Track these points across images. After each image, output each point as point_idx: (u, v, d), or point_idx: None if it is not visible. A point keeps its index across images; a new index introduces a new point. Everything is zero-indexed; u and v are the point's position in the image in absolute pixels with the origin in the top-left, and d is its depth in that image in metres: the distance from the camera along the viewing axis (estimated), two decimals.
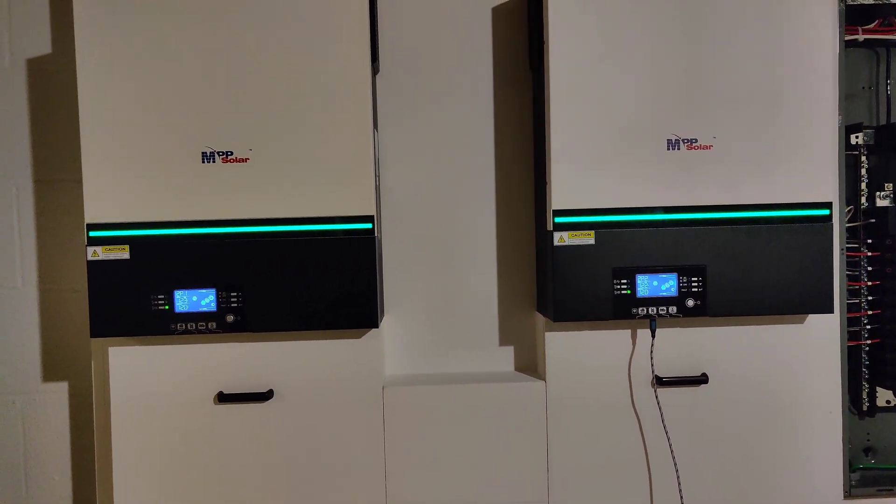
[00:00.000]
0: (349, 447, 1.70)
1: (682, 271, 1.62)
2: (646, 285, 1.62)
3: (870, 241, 1.94)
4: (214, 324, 1.60)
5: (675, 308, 1.63)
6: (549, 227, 1.63)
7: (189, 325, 1.60)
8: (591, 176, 1.62)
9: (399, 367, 1.87)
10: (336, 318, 1.62)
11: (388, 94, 1.83)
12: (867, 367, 1.97)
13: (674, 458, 1.68)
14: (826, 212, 1.63)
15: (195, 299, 1.59)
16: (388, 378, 1.82)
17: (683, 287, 1.62)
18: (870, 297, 1.95)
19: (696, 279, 1.62)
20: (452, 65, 1.84)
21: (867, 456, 2.02)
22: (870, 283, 1.94)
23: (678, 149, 1.62)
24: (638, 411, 1.72)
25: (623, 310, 1.63)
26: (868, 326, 1.96)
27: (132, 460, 1.68)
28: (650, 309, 1.63)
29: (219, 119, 1.59)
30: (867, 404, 1.98)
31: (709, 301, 1.63)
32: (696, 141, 1.62)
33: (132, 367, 1.66)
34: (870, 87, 1.99)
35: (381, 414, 1.71)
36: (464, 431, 1.73)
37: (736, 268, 1.62)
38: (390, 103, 1.83)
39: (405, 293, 1.86)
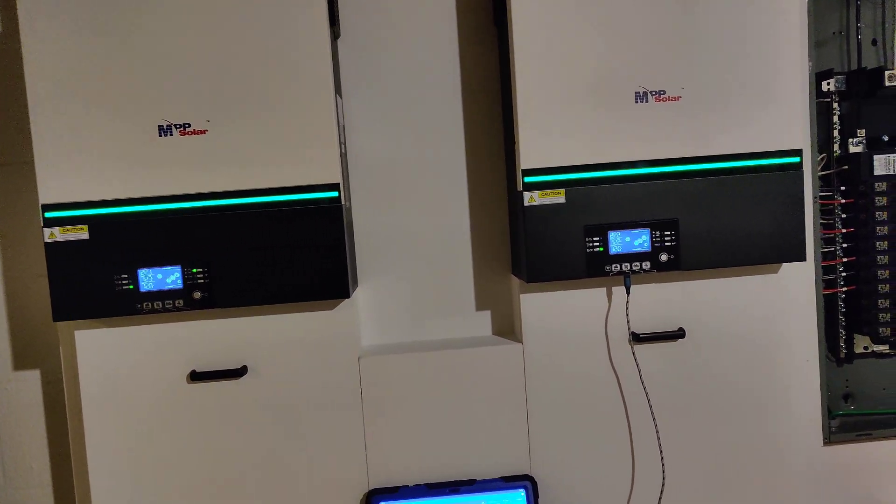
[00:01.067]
0: (328, 420, 1.68)
1: (655, 226, 1.60)
2: (618, 242, 1.60)
3: (843, 188, 1.93)
4: (182, 301, 1.56)
5: (648, 263, 1.61)
6: (520, 186, 1.60)
7: (155, 304, 1.56)
8: (559, 133, 1.59)
9: (376, 337, 1.84)
10: (306, 290, 1.58)
11: (351, 60, 1.78)
12: (843, 314, 1.98)
13: (653, 414, 1.68)
14: (796, 159, 1.61)
15: (160, 277, 1.56)
16: (364, 348, 1.80)
17: (656, 242, 1.60)
18: (845, 245, 1.95)
19: (668, 233, 1.60)
20: (415, 25, 1.79)
21: (846, 402, 2.04)
22: (844, 231, 1.94)
23: (646, 101, 1.59)
24: (616, 369, 1.71)
25: (596, 267, 1.61)
26: (844, 274, 1.96)
27: (106, 444, 1.65)
28: (624, 265, 1.61)
29: (174, 91, 1.53)
30: (845, 351, 1.99)
31: (682, 255, 1.61)
32: (665, 92, 1.59)
33: (100, 349, 1.63)
34: (840, 33, 1.97)
35: (359, 385, 1.69)
36: (442, 398, 1.71)
37: (708, 220, 1.61)
38: (354, 69, 1.78)
39: (378, 262, 1.83)
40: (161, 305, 1.56)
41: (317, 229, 1.57)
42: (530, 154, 1.59)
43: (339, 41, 1.77)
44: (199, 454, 1.66)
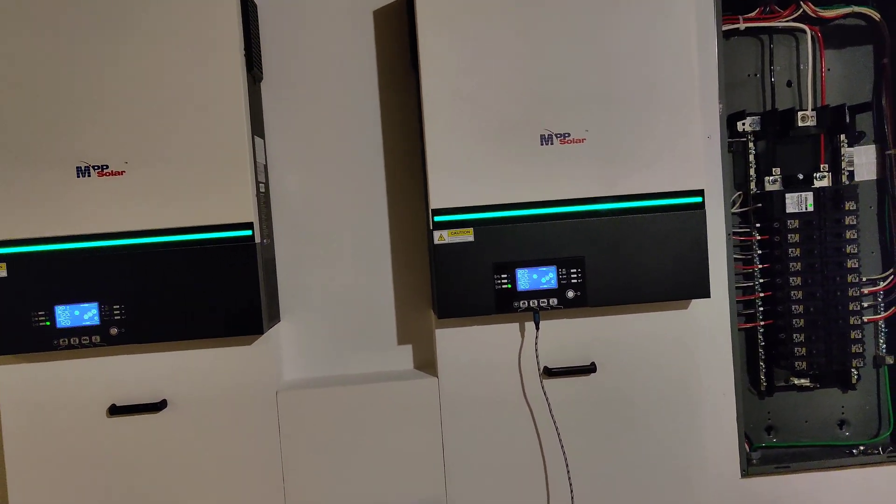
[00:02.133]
0: (246, 454, 1.71)
1: (561, 263, 1.65)
2: (526, 279, 1.65)
3: (758, 225, 1.99)
4: (98, 337, 1.60)
5: (555, 300, 1.66)
6: (430, 226, 1.65)
7: (72, 340, 1.60)
8: (467, 174, 1.64)
9: (299, 371, 1.88)
10: (221, 327, 1.62)
11: (273, 101, 1.84)
12: (763, 347, 2.02)
13: (562, 447, 1.71)
14: (698, 199, 1.67)
15: (77, 314, 1.59)
16: (286, 383, 1.83)
17: (563, 279, 1.65)
18: (762, 280, 2.00)
19: (575, 271, 1.65)
20: (337, 69, 1.85)
21: (769, 434, 2.08)
22: (761, 267, 1.99)
23: (552, 143, 1.64)
24: (530, 403, 1.75)
25: (505, 304, 1.65)
26: (762, 308, 2.01)
27: (26, 478, 1.67)
28: (531, 302, 1.65)
29: (92, 132, 1.59)
30: (765, 384, 2.03)
31: (588, 291, 1.66)
32: (569, 135, 1.65)
33: (19, 385, 1.66)
34: (756, 75, 2.04)
35: (276, 419, 1.72)
36: (360, 432, 1.74)
37: (614, 258, 1.66)
38: (276, 110, 1.84)
39: (301, 297, 1.87)
40: (78, 341, 1.60)
41: (231, 267, 1.61)
42: (439, 194, 1.64)
43: (262, 84, 1.83)
44: (119, 488, 1.69)
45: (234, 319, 1.62)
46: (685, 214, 1.67)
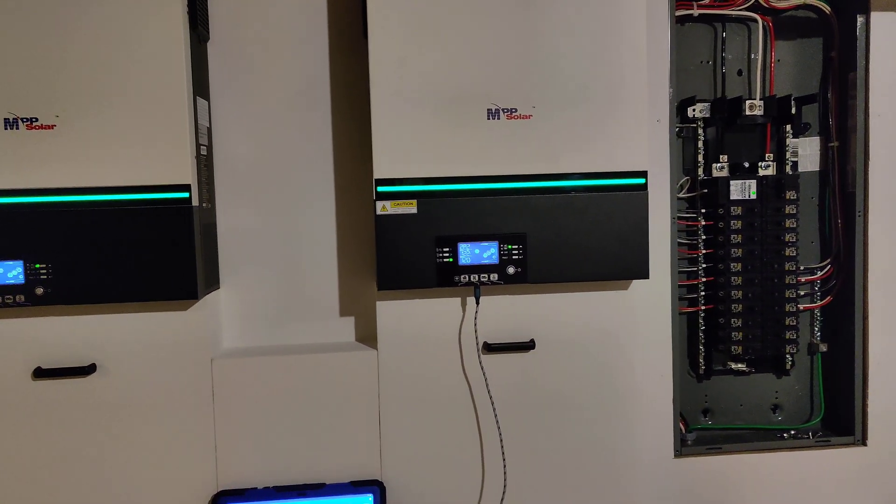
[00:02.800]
0: (177, 422, 1.68)
1: (503, 239, 1.65)
2: (467, 253, 1.64)
3: (704, 210, 2.01)
4: (23, 297, 1.55)
5: (496, 275, 1.65)
6: (374, 196, 1.63)
7: None
8: (413, 145, 1.62)
9: (238, 339, 1.85)
10: (154, 290, 1.58)
11: (220, 63, 1.79)
12: (703, 332, 2.05)
13: (497, 423, 1.72)
14: (641, 181, 1.68)
15: (1, 271, 1.54)
16: (224, 351, 1.80)
17: (504, 255, 1.65)
18: (705, 265, 2.03)
19: (516, 247, 1.65)
20: (288, 33, 1.81)
21: (705, 417, 2.11)
22: (705, 252, 2.02)
23: (498, 118, 1.63)
24: (468, 377, 1.74)
25: (446, 278, 1.65)
26: (704, 293, 2.04)
27: None
28: (472, 276, 1.65)
29: (22, 83, 1.52)
30: (704, 367, 2.07)
31: (529, 268, 1.66)
32: (516, 110, 1.64)
33: None
34: (708, 62, 2.05)
35: (211, 387, 1.69)
36: (296, 402, 1.72)
37: (556, 236, 1.66)
38: (223, 72, 1.79)
39: (243, 265, 1.84)
40: (1, 300, 1.54)
41: (166, 230, 1.57)
42: (384, 164, 1.62)
43: (210, 45, 1.78)
44: (44, 452, 1.64)
45: (168, 284, 1.58)
46: (628, 195, 1.67)
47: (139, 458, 1.67)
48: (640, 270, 1.70)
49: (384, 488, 1.72)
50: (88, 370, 1.63)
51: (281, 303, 1.85)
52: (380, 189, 1.62)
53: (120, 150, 1.55)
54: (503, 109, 1.63)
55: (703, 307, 2.03)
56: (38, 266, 1.54)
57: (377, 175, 1.62)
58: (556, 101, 1.64)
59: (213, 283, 1.75)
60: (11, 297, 1.54)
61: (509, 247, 1.64)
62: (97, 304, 1.59)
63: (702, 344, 2.05)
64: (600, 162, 1.66)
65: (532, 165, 1.65)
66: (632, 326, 1.79)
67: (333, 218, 1.85)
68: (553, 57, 1.64)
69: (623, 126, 1.66)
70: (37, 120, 1.53)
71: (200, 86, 1.69)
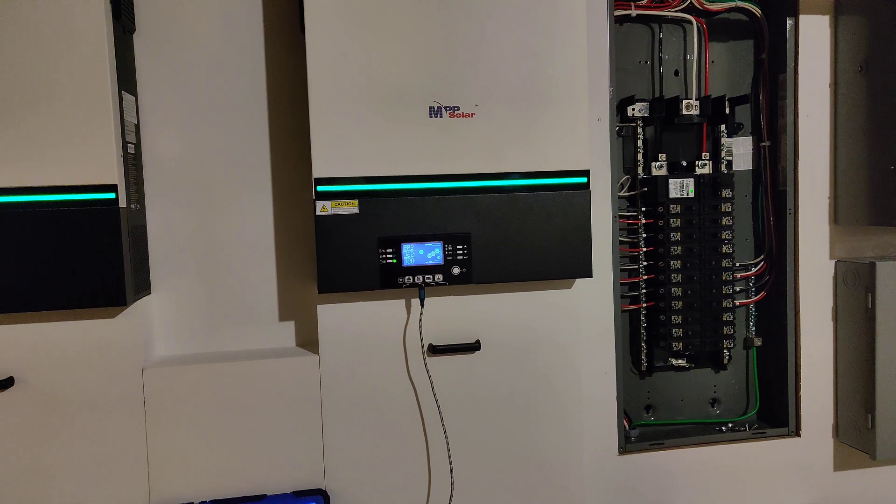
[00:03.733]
0: (107, 437, 1.58)
1: (448, 239, 1.62)
2: (411, 254, 1.60)
3: (644, 209, 2.04)
4: None
5: (441, 276, 1.63)
6: (313, 195, 1.58)
7: None
8: (354, 143, 1.58)
9: (172, 347, 1.76)
10: (80, 297, 1.49)
11: (147, 57, 1.70)
12: (645, 329, 2.08)
13: (444, 425, 1.69)
14: (583, 179, 1.68)
15: None
16: (157, 359, 1.71)
17: (449, 255, 1.62)
18: (646, 263, 2.05)
19: (461, 247, 1.63)
20: (221, 24, 1.73)
21: (648, 413, 2.14)
22: (646, 250, 2.04)
23: (441, 116, 1.61)
24: (414, 381, 1.71)
25: (390, 279, 1.61)
26: (645, 290, 2.06)
27: None
28: (416, 277, 1.62)
29: None
30: (646, 364, 2.10)
31: (475, 268, 1.64)
32: (459, 109, 1.61)
33: None
34: (646, 62, 2.08)
35: (142, 398, 1.60)
36: (233, 411, 1.65)
37: (500, 235, 1.64)
38: (151, 66, 1.70)
39: (175, 268, 1.75)
40: None
41: (91, 233, 1.48)
42: (323, 162, 1.57)
43: (136, 37, 1.69)
44: None
45: (95, 289, 1.49)
46: (571, 194, 1.68)
47: (66, 476, 1.57)
48: (584, 269, 1.70)
49: (328, 497, 1.67)
50: (5, 384, 1.52)
51: (217, 307, 1.78)
52: (319, 189, 1.57)
53: (41, 148, 1.45)
54: (445, 107, 1.61)
55: (644, 304, 2.06)
56: None
57: (316, 174, 1.57)
58: (499, 99, 1.63)
59: (143, 288, 1.66)
60: None
61: (454, 247, 1.62)
62: (20, 312, 1.49)
63: (643, 341, 2.08)
64: (543, 161, 1.65)
65: (475, 164, 1.63)
66: (575, 325, 1.79)
67: (271, 219, 1.79)
68: (495, 55, 1.62)
69: (565, 124, 1.66)
70: None
71: (126, 80, 1.60)
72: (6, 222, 1.44)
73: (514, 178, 1.65)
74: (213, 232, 1.76)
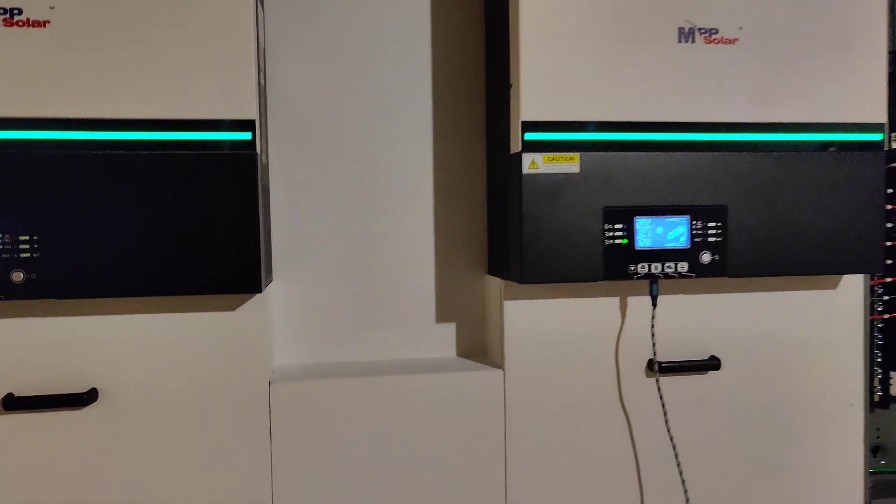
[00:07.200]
0: (225, 461, 1.14)
1: (696, 214, 1.16)
2: (647, 233, 1.15)
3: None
4: None
5: (686, 265, 1.17)
6: (517, 146, 1.13)
7: None
8: (575, 76, 1.13)
9: (293, 354, 1.32)
10: (206, 279, 1.05)
11: None
12: (881, 347, 1.60)
13: (682, 478, 1.23)
14: (879, 136, 1.22)
15: None
16: (276, 370, 1.27)
17: (697, 236, 1.16)
18: (888, 261, 1.58)
19: (713, 224, 1.17)
20: None
21: (875, 456, 1.66)
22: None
23: (692, 41, 1.16)
24: (626, 406, 1.25)
25: (618, 267, 1.15)
26: (885, 297, 1.59)
27: None
28: (653, 266, 1.16)
29: None
30: (880, 393, 1.62)
31: (730, 256, 1.18)
32: (717, 31, 1.16)
33: None
34: None
35: (268, 419, 1.16)
36: (386, 438, 1.20)
37: (768, 211, 1.18)
38: None
39: (303, 251, 1.31)
40: None
41: (216, 187, 1.04)
42: (533, 103, 1.12)
43: None
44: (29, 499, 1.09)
45: (220, 269, 1.05)
46: (858, 156, 1.21)
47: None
48: (869, 262, 1.23)
49: None
50: (87, 399, 1.08)
51: (354, 304, 1.33)
52: (527, 137, 1.12)
53: (152, 70, 1.02)
54: (700, 29, 1.16)
55: (882, 315, 1.59)
56: (20, 239, 0.99)
57: (525, 117, 1.12)
58: (773, 22, 1.17)
59: (269, 271, 1.22)
60: None
61: (704, 225, 1.16)
62: (104, 297, 1.05)
63: (877, 363, 1.60)
64: (827, 109, 1.20)
65: (737, 111, 1.17)
66: (829, 340, 1.33)
67: (430, 185, 1.34)
68: None
69: (859, 61, 1.20)
70: (25, 17, 0.99)
71: None
72: (102, 167, 1.01)
73: (788, 131, 1.19)
74: (351, 203, 1.32)
